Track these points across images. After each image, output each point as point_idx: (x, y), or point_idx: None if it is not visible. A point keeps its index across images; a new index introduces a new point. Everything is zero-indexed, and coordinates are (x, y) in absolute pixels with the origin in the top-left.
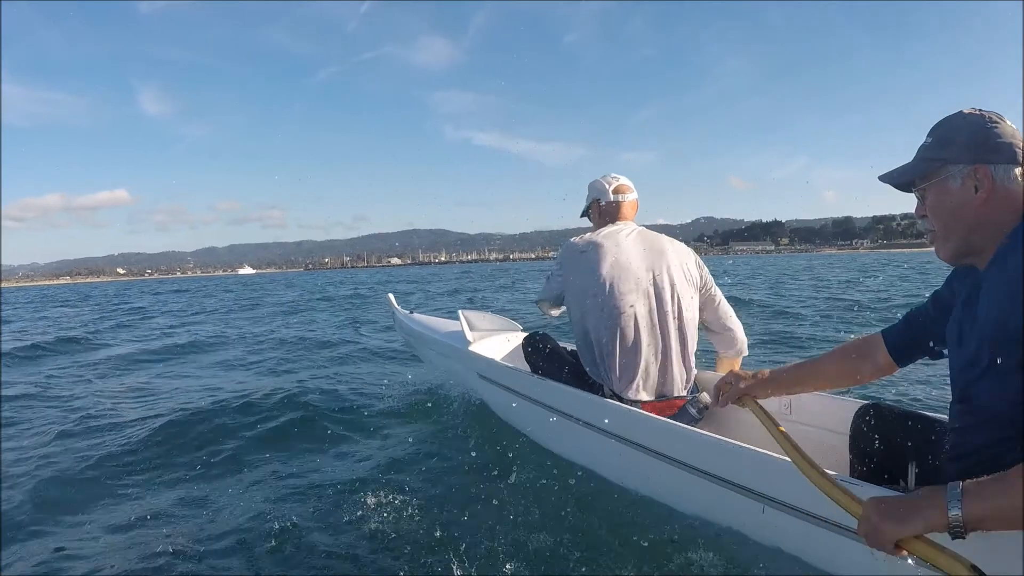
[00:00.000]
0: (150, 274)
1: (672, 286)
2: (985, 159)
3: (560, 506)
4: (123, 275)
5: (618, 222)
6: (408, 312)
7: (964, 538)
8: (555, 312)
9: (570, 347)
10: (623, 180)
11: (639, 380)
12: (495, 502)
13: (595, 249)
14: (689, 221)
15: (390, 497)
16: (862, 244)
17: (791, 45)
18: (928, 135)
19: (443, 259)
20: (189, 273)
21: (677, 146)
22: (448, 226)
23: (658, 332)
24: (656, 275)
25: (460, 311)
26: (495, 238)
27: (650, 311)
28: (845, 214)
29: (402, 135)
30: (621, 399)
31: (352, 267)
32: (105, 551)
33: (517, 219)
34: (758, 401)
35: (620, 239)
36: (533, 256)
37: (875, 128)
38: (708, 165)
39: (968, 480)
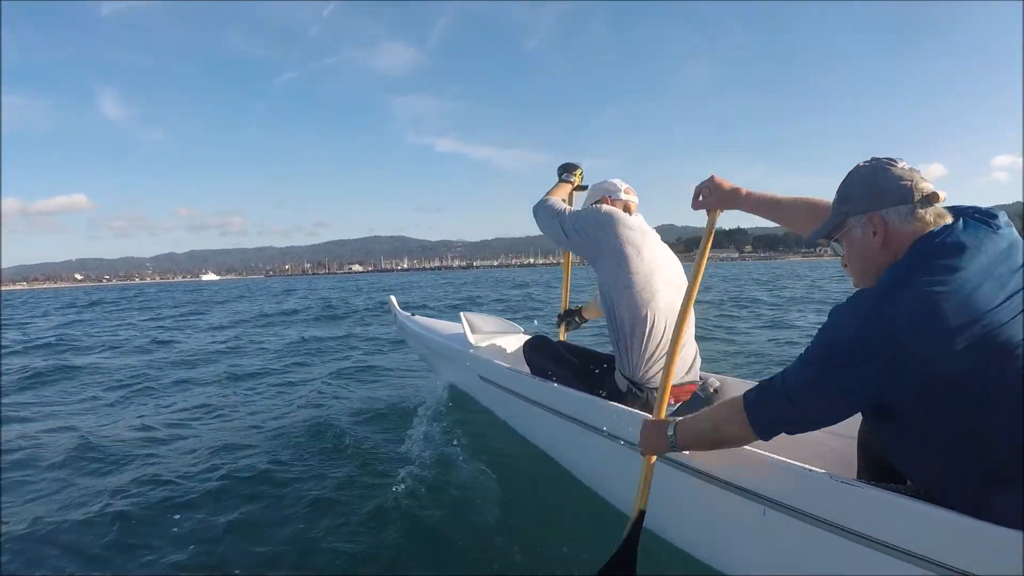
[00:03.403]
0: (108, 280)
1: (682, 278)
2: (876, 206)
3: (558, 507)
4: (81, 281)
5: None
6: (409, 314)
7: (679, 451)
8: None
9: (571, 349)
10: (629, 185)
11: (661, 364)
12: (493, 501)
13: (641, 232)
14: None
15: (388, 498)
16: (825, 251)
17: (748, 52)
18: (836, 192)
19: (405, 266)
20: (148, 279)
21: (636, 153)
22: (409, 233)
23: (677, 320)
24: (675, 271)
25: (462, 313)
26: (456, 245)
27: (673, 300)
28: None
29: (363, 141)
30: (640, 384)
31: (313, 274)
32: None
33: (478, 226)
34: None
35: (651, 231)
36: (496, 263)
37: (830, 136)
38: (667, 172)
39: (681, 419)
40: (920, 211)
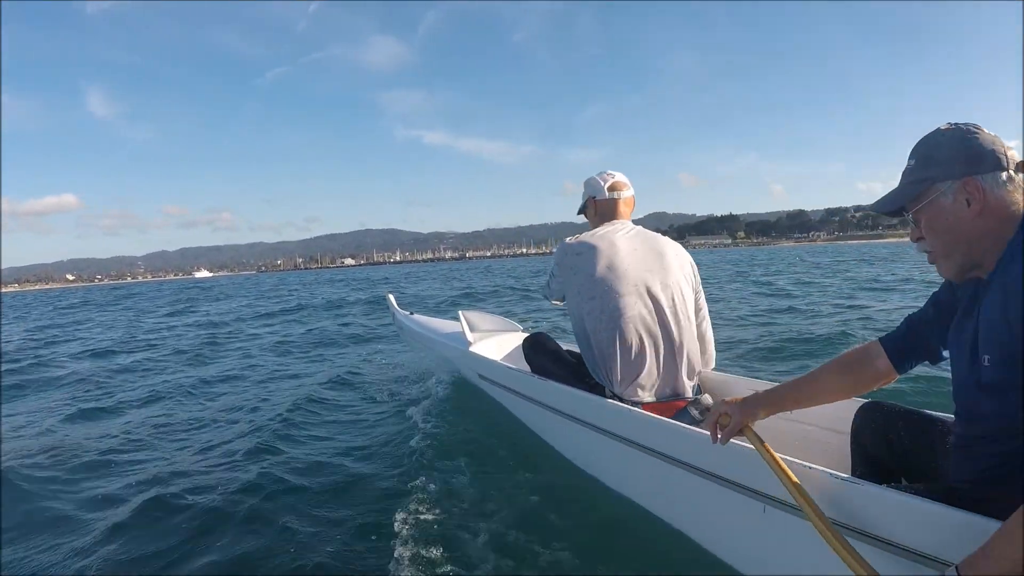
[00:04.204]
0: (100, 279)
1: (671, 286)
2: (971, 171)
3: (559, 506)
4: (73, 281)
5: (615, 221)
6: (408, 313)
7: None
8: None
9: (570, 347)
10: (619, 177)
11: (640, 382)
12: (490, 502)
13: (589, 251)
14: (642, 216)
15: (385, 495)
16: (819, 236)
17: (736, 42)
18: (910, 157)
19: (398, 259)
20: (140, 278)
21: (625, 143)
22: (400, 225)
23: (659, 333)
24: (654, 276)
25: (460, 312)
26: (448, 236)
27: (650, 312)
28: (795, 207)
29: (352, 135)
30: (623, 400)
31: (306, 268)
32: None
33: (469, 217)
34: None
35: (615, 239)
36: (489, 254)
37: (820, 123)
38: (657, 162)
39: (961, 561)
40: (1017, 178)
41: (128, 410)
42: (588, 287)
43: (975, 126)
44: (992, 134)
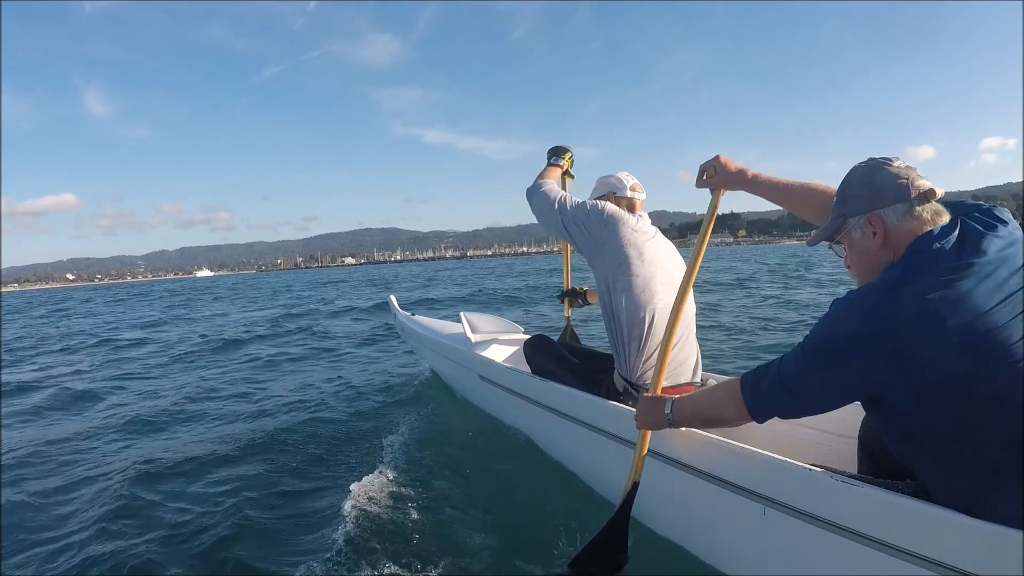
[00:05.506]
0: (100, 279)
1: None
2: (875, 205)
3: (559, 506)
4: (73, 281)
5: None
6: (409, 314)
7: (675, 427)
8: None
9: (571, 349)
10: (636, 180)
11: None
12: (489, 502)
13: (644, 233)
14: None
15: (381, 496)
16: None
17: (736, 39)
18: (835, 194)
19: (398, 257)
20: (140, 278)
21: (624, 140)
22: (399, 224)
23: (677, 322)
24: (677, 272)
25: (462, 313)
26: (448, 235)
27: (672, 302)
28: None
29: (350, 133)
30: (636, 385)
31: (306, 267)
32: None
33: (469, 216)
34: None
35: (655, 231)
36: (490, 252)
37: (818, 120)
38: (656, 159)
39: (679, 396)
40: (918, 208)
41: None
42: (635, 265)
43: (887, 160)
44: (904, 165)
